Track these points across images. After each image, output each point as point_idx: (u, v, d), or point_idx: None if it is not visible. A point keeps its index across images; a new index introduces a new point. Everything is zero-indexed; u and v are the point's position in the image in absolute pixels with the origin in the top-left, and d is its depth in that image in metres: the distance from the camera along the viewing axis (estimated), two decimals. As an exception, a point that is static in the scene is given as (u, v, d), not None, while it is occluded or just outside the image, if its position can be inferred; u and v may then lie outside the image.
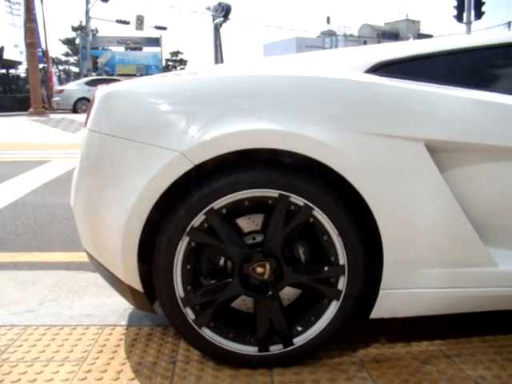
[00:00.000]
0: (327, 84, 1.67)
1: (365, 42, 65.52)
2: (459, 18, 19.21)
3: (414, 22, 70.27)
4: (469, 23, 19.28)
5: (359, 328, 2.02)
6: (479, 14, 18.86)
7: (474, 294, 1.74)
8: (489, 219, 1.72)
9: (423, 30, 70.67)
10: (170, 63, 52.99)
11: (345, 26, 71.56)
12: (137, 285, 1.72)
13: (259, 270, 1.68)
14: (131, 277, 1.70)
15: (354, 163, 1.59)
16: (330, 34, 65.41)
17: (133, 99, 1.73)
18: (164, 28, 34.66)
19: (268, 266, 1.68)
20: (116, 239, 1.66)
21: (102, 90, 1.79)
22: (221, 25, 32.33)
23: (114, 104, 1.75)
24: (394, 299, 1.71)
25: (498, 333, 1.99)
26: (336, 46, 65.60)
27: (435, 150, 1.64)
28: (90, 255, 1.93)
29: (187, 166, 1.58)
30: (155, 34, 34.76)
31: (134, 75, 34.02)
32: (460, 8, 19.02)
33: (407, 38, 63.31)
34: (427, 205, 1.64)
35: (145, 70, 34.19)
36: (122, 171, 1.67)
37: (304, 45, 55.00)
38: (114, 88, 1.79)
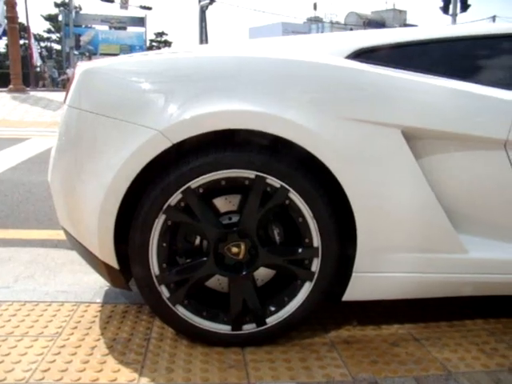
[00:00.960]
0: (307, 68, 1.68)
1: (351, 30, 65.42)
2: (445, 9, 19.31)
3: (400, 11, 70.24)
4: (454, 15, 19.40)
5: (332, 310, 2.06)
6: (465, 7, 18.97)
7: (444, 280, 1.79)
8: (461, 207, 1.75)
9: (409, 21, 70.74)
10: (154, 44, 52.34)
11: (331, 13, 71.28)
12: (112, 262, 1.73)
13: (234, 249, 1.70)
14: (107, 254, 1.71)
15: (331, 147, 1.61)
16: (317, 20, 65.17)
17: (113, 76, 1.73)
18: (149, 8, 34.27)
19: (243, 246, 1.70)
20: (92, 216, 1.67)
21: (82, 66, 1.78)
22: (207, 7, 31.95)
23: (94, 80, 1.74)
24: (366, 282, 1.75)
25: (466, 318, 2.05)
26: (322, 33, 65.45)
27: (411, 137, 1.66)
28: (66, 232, 1.93)
29: (165, 145, 1.59)
30: (140, 13, 34.32)
31: (118, 55, 33.59)
32: (446, 0, 19.10)
33: (393, 27, 63.24)
34: (401, 191, 1.67)
35: (129, 50, 33.77)
36: (100, 148, 1.67)
37: (290, 30, 54.62)
38: (94, 64, 1.78)
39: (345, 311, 2.06)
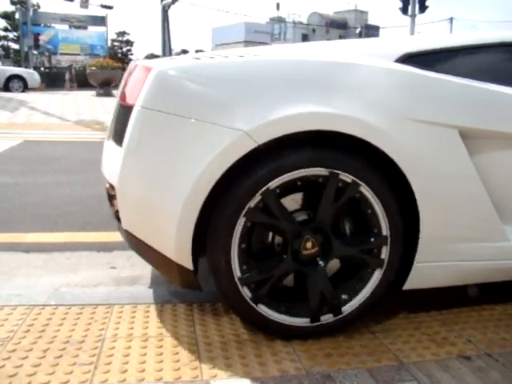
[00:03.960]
0: (377, 73, 1.81)
1: (313, 30, 66.08)
2: (404, 10, 19.64)
3: (362, 12, 71.27)
4: (413, 16, 19.77)
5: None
6: (423, 8, 19.34)
7: (491, 267, 1.96)
8: (505, 201, 1.91)
9: (371, 21, 71.96)
10: (115, 44, 51.65)
11: (294, 13, 71.72)
12: (188, 263, 1.73)
13: (309, 244, 1.77)
14: (183, 256, 1.71)
15: (399, 145, 1.73)
16: (280, 20, 65.47)
17: (193, 78, 1.74)
18: (110, 7, 33.67)
19: (318, 241, 1.78)
20: (172, 219, 1.66)
21: (156, 68, 1.74)
22: (169, 6, 31.68)
23: (173, 82, 1.74)
24: (425, 272, 1.88)
25: (421, 310, 2.10)
26: (285, 33, 65.82)
27: (466, 137, 1.80)
28: (129, 235, 1.87)
29: (250, 146, 1.62)
30: (101, 12, 33.77)
31: (78, 55, 33.00)
32: (405, 1, 19.44)
33: (355, 28, 64.26)
34: (458, 186, 1.83)
35: (89, 50, 33.25)
36: (182, 150, 1.68)
37: (253, 30, 54.73)
38: (169, 65, 1.77)
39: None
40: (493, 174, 1.86)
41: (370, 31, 67.22)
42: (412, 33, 21.24)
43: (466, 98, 1.86)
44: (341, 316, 1.83)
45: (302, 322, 1.80)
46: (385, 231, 1.79)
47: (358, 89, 1.75)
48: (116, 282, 2.42)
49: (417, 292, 1.98)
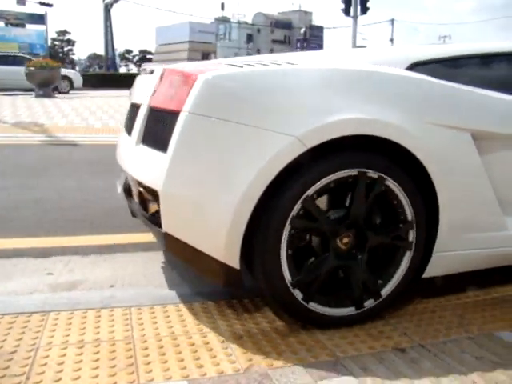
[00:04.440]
0: (404, 82, 2.01)
1: (258, 30, 66.40)
2: (346, 11, 20.05)
3: (306, 13, 72.22)
4: (355, 17, 20.22)
5: (223, 307, 2.09)
6: (364, 9, 19.80)
7: (497, 253, 2.21)
8: (504, 194, 2.14)
9: (315, 22, 72.97)
10: (56, 43, 50.18)
11: (239, 13, 71.79)
12: (235, 263, 1.81)
13: (346, 239, 1.93)
14: (232, 256, 1.79)
15: (423, 146, 1.91)
16: (224, 20, 65.45)
17: (245, 86, 1.82)
18: (49, 5, 32.71)
19: (354, 235, 1.94)
20: (223, 223, 1.73)
21: (204, 75, 1.79)
22: (111, 5, 31.14)
23: (224, 89, 1.80)
24: (444, 260, 2.10)
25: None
26: (230, 33, 65.85)
27: (477, 138, 2.03)
28: (170, 238, 1.89)
29: (301, 150, 1.72)
30: (40, 10, 32.74)
31: (18, 53, 31.83)
32: (347, 2, 19.83)
33: (300, 29, 65.05)
34: (471, 181, 2.06)
35: (28, 49, 32.09)
36: (233, 155, 1.75)
37: (197, 30, 54.47)
38: (217, 73, 1.82)
39: (236, 307, 2.10)
40: (495, 171, 2.10)
41: (315, 31, 68.28)
42: (354, 33, 21.73)
43: (477, 104, 2.09)
44: (381, 299, 2.00)
45: (348, 311, 1.96)
46: (410, 217, 1.97)
47: (391, 96, 1.94)
48: (52, 289, 2.35)
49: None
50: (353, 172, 1.84)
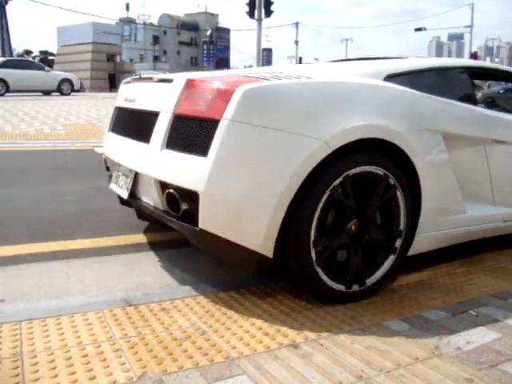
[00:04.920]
0: (399, 95, 2.47)
1: (165, 32, 65.62)
2: (251, 14, 20.37)
3: (212, 15, 72.34)
4: (260, 20, 20.58)
5: (119, 314, 2.05)
6: (269, 13, 20.23)
7: (461, 232, 2.73)
8: (465, 183, 2.65)
9: (221, 24, 73.28)
10: None
11: (144, 14, 70.36)
12: (270, 253, 2.09)
13: (356, 226, 2.26)
14: (268, 246, 2.07)
15: (412, 145, 2.34)
16: (130, 21, 64.03)
17: (277, 97, 2.11)
18: None
19: (360, 222, 2.27)
20: (264, 218, 2.02)
21: (243, 87, 2.03)
22: (6, 1, 29.35)
23: (264, 99, 2.08)
24: (423, 240, 2.54)
25: (253, 304, 2.19)
26: (135, 34, 64.50)
27: (446, 139, 2.53)
28: (206, 234, 2.06)
29: (327, 151, 2.07)
30: None
31: None
32: (251, 5, 20.16)
33: (206, 30, 65.10)
34: (444, 174, 2.53)
35: None
36: (272, 158, 2.03)
37: (101, 31, 52.94)
38: (256, 85, 2.09)
39: (132, 314, 2.07)
40: (458, 165, 2.58)
41: (221, 33, 68.66)
42: (259, 36, 22.09)
43: (445, 111, 2.60)
44: (364, 287, 2.30)
45: (341, 287, 2.25)
46: (402, 207, 2.38)
47: (388, 106, 2.37)
48: None
49: (251, 289, 2.05)
50: (367, 169, 2.22)
